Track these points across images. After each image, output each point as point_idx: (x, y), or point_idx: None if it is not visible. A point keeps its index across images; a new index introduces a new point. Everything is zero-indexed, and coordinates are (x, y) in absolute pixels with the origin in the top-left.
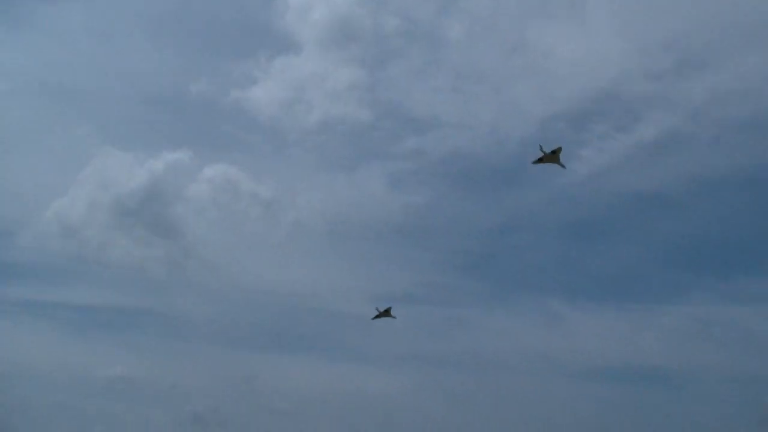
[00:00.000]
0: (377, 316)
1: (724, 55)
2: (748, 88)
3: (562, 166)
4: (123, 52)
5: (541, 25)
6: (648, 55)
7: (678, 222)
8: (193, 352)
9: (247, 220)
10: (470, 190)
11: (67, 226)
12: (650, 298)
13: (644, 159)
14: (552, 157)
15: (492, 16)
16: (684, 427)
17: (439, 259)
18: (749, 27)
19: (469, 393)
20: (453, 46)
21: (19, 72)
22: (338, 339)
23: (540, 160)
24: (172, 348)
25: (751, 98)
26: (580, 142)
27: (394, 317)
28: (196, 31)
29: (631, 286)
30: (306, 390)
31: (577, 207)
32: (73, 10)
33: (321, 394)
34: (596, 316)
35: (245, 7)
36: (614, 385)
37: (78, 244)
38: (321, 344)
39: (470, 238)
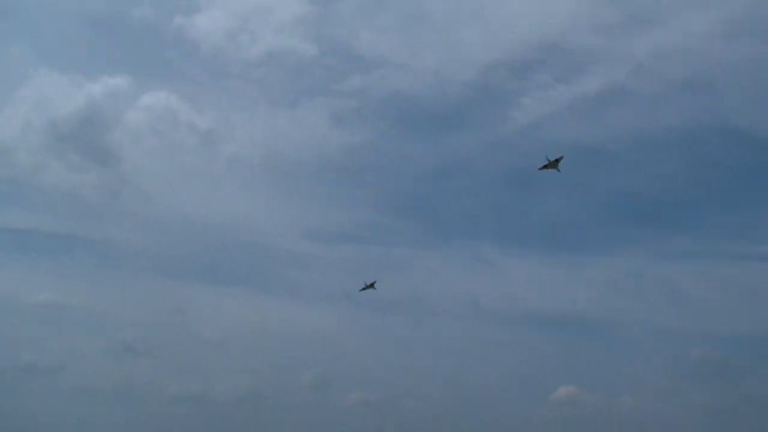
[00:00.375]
0: (364, 288)
1: (670, 13)
2: (691, 48)
3: (558, 170)
4: None
5: None
6: (595, 7)
7: (614, 176)
8: (124, 280)
9: (185, 150)
10: (410, 132)
11: None
12: (582, 249)
13: (585, 111)
14: (555, 164)
15: None
16: (612, 377)
17: (375, 200)
18: None
19: (397, 333)
20: None
21: None
22: (271, 273)
23: (545, 167)
24: (104, 276)
25: (693, 57)
26: (522, 91)
27: (375, 288)
28: None
29: (563, 236)
30: (236, 322)
31: (515, 155)
32: None
33: (251, 327)
34: (528, 264)
35: None
36: (543, 332)
37: (10, 166)
38: (253, 278)
39: (407, 180)
